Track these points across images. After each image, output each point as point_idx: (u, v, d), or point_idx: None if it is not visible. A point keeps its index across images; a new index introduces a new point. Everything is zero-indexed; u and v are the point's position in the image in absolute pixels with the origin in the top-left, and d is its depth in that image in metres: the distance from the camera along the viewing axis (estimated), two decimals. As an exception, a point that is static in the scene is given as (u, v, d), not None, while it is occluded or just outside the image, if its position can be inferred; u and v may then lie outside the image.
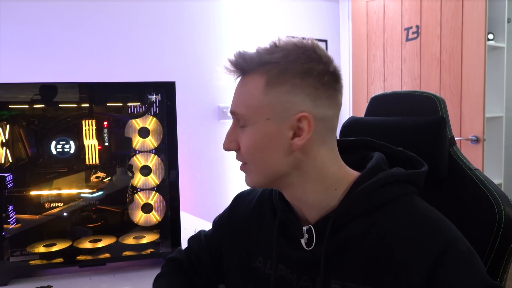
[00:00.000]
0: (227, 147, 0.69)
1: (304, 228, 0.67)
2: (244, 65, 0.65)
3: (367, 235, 0.62)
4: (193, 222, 1.70)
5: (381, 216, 0.63)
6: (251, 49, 0.66)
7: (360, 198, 0.64)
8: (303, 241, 0.67)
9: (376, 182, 0.64)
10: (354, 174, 0.68)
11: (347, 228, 0.64)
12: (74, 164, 1.23)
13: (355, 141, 0.77)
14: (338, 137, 0.89)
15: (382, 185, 0.64)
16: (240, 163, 0.71)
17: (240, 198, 0.86)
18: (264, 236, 0.75)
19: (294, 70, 0.62)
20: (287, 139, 0.63)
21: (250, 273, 0.76)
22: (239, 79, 0.68)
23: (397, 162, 0.71)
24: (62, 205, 1.23)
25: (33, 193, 1.21)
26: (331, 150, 0.67)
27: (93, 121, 1.22)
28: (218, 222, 0.88)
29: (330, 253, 0.65)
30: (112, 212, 1.27)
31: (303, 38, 0.66)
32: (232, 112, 0.68)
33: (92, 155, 1.23)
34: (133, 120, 1.25)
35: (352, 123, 0.93)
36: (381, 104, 0.95)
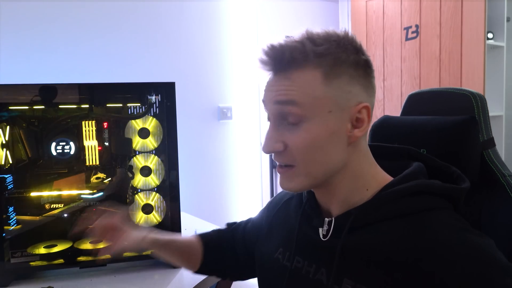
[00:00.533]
0: (271, 149, 0.63)
1: (326, 219, 0.65)
2: (299, 58, 0.59)
3: (387, 242, 0.59)
4: (193, 223, 1.70)
5: (406, 225, 0.59)
6: (293, 39, 0.61)
7: (386, 202, 0.61)
8: (321, 231, 0.66)
9: (406, 189, 0.61)
10: (388, 178, 0.66)
11: (368, 229, 0.61)
12: (74, 165, 1.23)
13: (398, 149, 0.73)
14: (369, 137, 0.89)
15: (414, 193, 0.60)
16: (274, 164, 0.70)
17: (276, 197, 0.88)
18: (287, 226, 0.75)
19: (347, 60, 0.61)
20: (346, 132, 0.61)
21: (271, 263, 0.75)
22: (271, 75, 0.62)
23: (439, 177, 0.67)
24: (62, 206, 1.23)
25: (33, 194, 1.21)
26: (367, 146, 0.66)
27: (93, 122, 1.22)
28: (256, 220, 0.90)
29: (346, 250, 0.62)
30: (112, 212, 1.26)
31: (343, 29, 0.65)
32: (284, 102, 0.60)
33: (92, 156, 1.23)
34: (133, 120, 1.25)
35: (383, 122, 0.90)
36: (417, 102, 0.91)
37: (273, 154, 0.65)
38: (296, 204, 0.76)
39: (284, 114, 0.61)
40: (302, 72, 0.60)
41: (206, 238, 0.92)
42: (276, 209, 0.83)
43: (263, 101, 0.65)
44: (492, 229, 0.72)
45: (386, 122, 0.89)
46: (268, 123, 0.65)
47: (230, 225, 0.95)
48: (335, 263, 0.62)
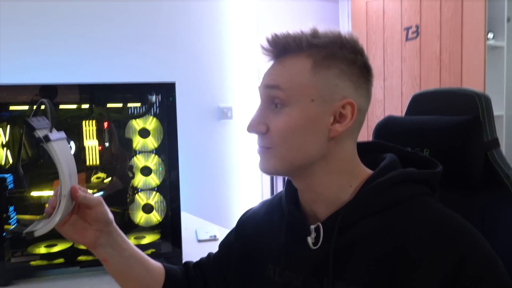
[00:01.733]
0: (255, 129, 0.64)
1: (312, 227, 0.65)
2: (292, 45, 0.62)
3: (378, 236, 0.60)
4: (193, 222, 1.70)
5: (394, 216, 0.61)
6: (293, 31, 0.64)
7: (371, 196, 0.62)
8: (309, 240, 0.65)
9: (388, 180, 0.62)
10: (368, 172, 0.66)
11: (356, 227, 0.62)
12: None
13: (368, 144, 0.75)
14: (372, 137, 0.89)
15: (394, 183, 0.62)
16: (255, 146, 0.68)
17: (247, 212, 0.85)
18: (273, 242, 0.73)
19: (342, 56, 0.62)
20: (327, 125, 0.62)
21: (261, 281, 0.74)
22: (271, 61, 0.66)
23: (410, 165, 0.68)
24: (62, 205, 1.23)
25: (33, 193, 1.21)
26: (355, 144, 0.67)
27: (93, 122, 1.22)
28: (224, 241, 0.85)
29: (338, 252, 0.62)
30: (112, 213, 1.26)
31: (346, 32, 0.66)
32: (270, 86, 0.63)
33: (92, 156, 1.23)
34: (133, 120, 1.25)
35: (387, 121, 0.90)
36: (421, 102, 0.91)
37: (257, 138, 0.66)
38: (278, 218, 0.74)
39: (271, 97, 0.64)
40: (295, 59, 0.63)
41: (169, 268, 0.81)
42: (252, 225, 0.79)
43: (258, 86, 0.68)
44: (496, 230, 0.71)
45: (390, 122, 0.89)
46: None
47: (188, 263, 0.86)
48: (330, 268, 0.62)
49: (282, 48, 0.63)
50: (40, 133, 0.65)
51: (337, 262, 0.62)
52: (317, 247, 0.64)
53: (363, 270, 0.59)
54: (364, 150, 0.72)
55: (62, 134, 0.69)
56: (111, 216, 0.73)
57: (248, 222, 0.82)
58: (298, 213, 0.69)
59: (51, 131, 0.67)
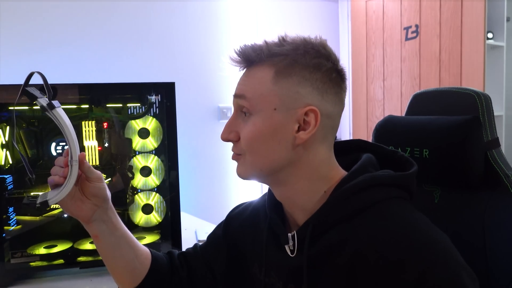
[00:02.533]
0: (226, 138, 0.67)
1: (289, 235, 0.65)
2: (252, 56, 0.64)
3: (345, 245, 0.59)
4: (193, 223, 1.70)
5: (360, 223, 0.60)
6: (258, 42, 0.66)
7: (337, 203, 0.61)
8: (287, 248, 0.66)
9: (355, 185, 0.61)
10: (341, 175, 0.66)
11: (327, 236, 0.62)
12: (74, 165, 1.23)
13: (349, 143, 0.75)
14: (372, 136, 0.89)
15: (362, 188, 0.61)
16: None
17: (236, 208, 0.86)
18: (258, 242, 0.74)
19: (304, 63, 0.62)
20: (292, 132, 0.62)
21: (248, 278, 0.75)
22: (243, 71, 0.67)
23: (391, 164, 0.68)
24: (62, 206, 1.23)
25: (33, 194, 1.21)
26: (329, 149, 0.66)
27: (93, 122, 1.22)
28: (212, 234, 0.85)
29: (312, 261, 0.62)
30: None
31: (314, 36, 0.66)
32: (237, 96, 0.66)
33: (92, 156, 1.23)
34: (133, 120, 1.25)
35: (387, 121, 0.89)
36: (421, 102, 0.90)
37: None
38: (263, 220, 0.75)
39: (240, 106, 0.66)
40: (259, 69, 0.64)
41: (155, 255, 0.80)
42: (240, 222, 0.81)
43: None
44: (495, 230, 0.71)
45: (390, 122, 0.89)
46: None
47: (172, 252, 0.85)
48: (304, 277, 0.62)
49: (246, 59, 0.65)
50: (42, 102, 0.65)
51: (313, 269, 0.62)
52: (293, 255, 0.65)
53: (337, 279, 0.59)
54: (344, 149, 0.73)
55: (58, 103, 0.69)
56: (108, 193, 0.74)
57: (236, 217, 0.83)
58: (278, 220, 0.70)
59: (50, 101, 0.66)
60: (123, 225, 0.76)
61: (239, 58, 0.66)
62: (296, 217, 0.67)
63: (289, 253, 0.66)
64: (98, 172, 0.73)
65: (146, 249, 0.80)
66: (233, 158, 0.69)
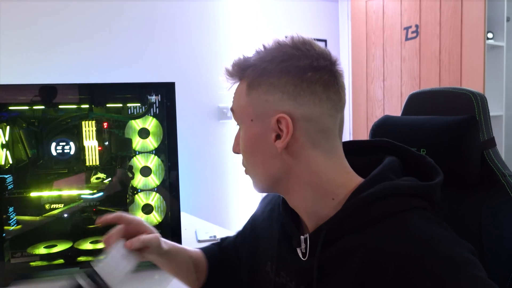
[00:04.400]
0: (234, 150, 0.70)
1: (302, 238, 0.64)
2: (236, 72, 0.66)
3: (358, 253, 0.57)
4: (193, 223, 1.70)
5: (375, 233, 0.57)
6: (250, 52, 0.67)
7: (353, 211, 0.59)
8: (299, 251, 0.65)
9: (372, 194, 0.58)
10: (357, 181, 0.62)
11: (340, 242, 0.60)
12: (74, 165, 1.23)
13: (373, 142, 0.71)
14: (369, 137, 0.88)
15: (379, 198, 0.58)
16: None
17: (265, 199, 0.86)
18: (272, 241, 0.74)
19: (270, 69, 0.61)
20: (271, 141, 0.62)
21: (261, 276, 0.75)
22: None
23: (418, 168, 0.65)
24: (62, 206, 1.23)
25: (33, 194, 1.21)
26: (327, 153, 0.62)
27: (93, 122, 1.22)
28: (246, 223, 0.88)
29: (323, 266, 0.61)
30: (112, 213, 1.26)
31: (292, 36, 0.64)
32: (231, 109, 0.70)
33: (92, 156, 1.23)
34: (133, 120, 1.25)
35: (384, 122, 0.89)
36: (418, 102, 0.90)
37: None
38: (276, 216, 0.75)
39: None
40: (240, 84, 0.67)
41: (210, 254, 0.87)
42: (261, 220, 0.82)
43: None
44: (492, 229, 0.72)
45: (386, 122, 0.89)
46: None
47: (224, 240, 0.92)
48: (314, 281, 0.61)
49: (230, 75, 0.67)
50: None
51: (323, 274, 0.61)
52: (305, 259, 0.64)
53: (345, 285, 0.58)
54: (366, 148, 0.71)
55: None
56: (157, 238, 0.76)
57: (262, 209, 0.84)
58: (291, 221, 0.69)
59: None
60: (174, 245, 0.82)
61: (227, 77, 0.68)
62: (305, 221, 0.67)
63: (300, 256, 0.65)
64: (144, 237, 0.73)
65: (199, 253, 0.86)
66: (245, 172, 0.70)
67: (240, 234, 0.88)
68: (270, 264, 0.73)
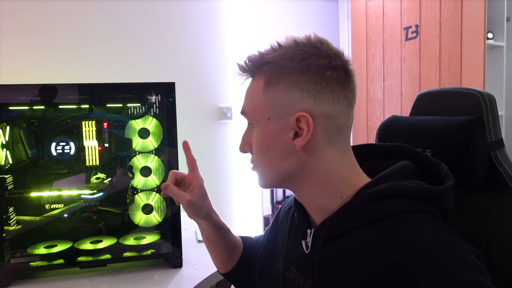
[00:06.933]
0: (241, 149, 0.71)
1: (309, 231, 0.65)
2: (250, 68, 0.66)
3: (358, 250, 0.57)
4: (193, 223, 1.69)
5: (376, 231, 0.57)
6: (261, 49, 0.67)
7: (355, 208, 0.59)
8: (304, 244, 0.66)
9: (375, 192, 0.59)
10: (364, 181, 0.63)
11: (342, 239, 0.60)
12: (74, 165, 1.23)
13: (392, 147, 0.71)
14: (376, 137, 0.88)
15: (382, 196, 0.58)
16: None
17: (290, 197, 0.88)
18: (285, 236, 0.75)
19: (291, 67, 0.61)
20: (289, 140, 0.62)
21: (272, 274, 0.76)
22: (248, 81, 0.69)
23: (433, 175, 0.65)
24: (62, 206, 1.23)
25: (33, 194, 1.21)
26: (341, 151, 0.63)
27: (93, 122, 1.22)
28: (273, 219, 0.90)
29: (325, 260, 0.62)
30: (112, 213, 1.27)
31: (309, 35, 0.65)
32: (242, 112, 0.69)
33: (92, 156, 1.23)
34: (133, 121, 1.25)
35: (391, 122, 0.88)
36: (426, 103, 0.89)
37: None
38: (290, 216, 0.77)
39: (245, 117, 0.69)
40: (253, 81, 0.66)
41: (247, 245, 0.92)
42: (280, 219, 0.83)
43: None
44: (499, 232, 0.71)
45: (393, 122, 0.88)
46: None
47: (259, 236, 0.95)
48: (315, 277, 0.62)
49: (244, 71, 0.67)
50: None
51: (325, 268, 0.62)
52: (308, 252, 0.65)
53: (345, 281, 0.58)
54: (387, 152, 0.71)
55: None
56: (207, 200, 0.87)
57: (284, 207, 0.85)
58: (300, 215, 0.70)
59: None
60: (225, 223, 0.89)
61: (239, 71, 0.68)
62: (313, 217, 0.68)
63: (304, 248, 0.66)
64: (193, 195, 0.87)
65: (239, 238, 0.92)
66: (252, 169, 0.71)
67: (264, 234, 0.90)
68: (282, 259, 0.74)
